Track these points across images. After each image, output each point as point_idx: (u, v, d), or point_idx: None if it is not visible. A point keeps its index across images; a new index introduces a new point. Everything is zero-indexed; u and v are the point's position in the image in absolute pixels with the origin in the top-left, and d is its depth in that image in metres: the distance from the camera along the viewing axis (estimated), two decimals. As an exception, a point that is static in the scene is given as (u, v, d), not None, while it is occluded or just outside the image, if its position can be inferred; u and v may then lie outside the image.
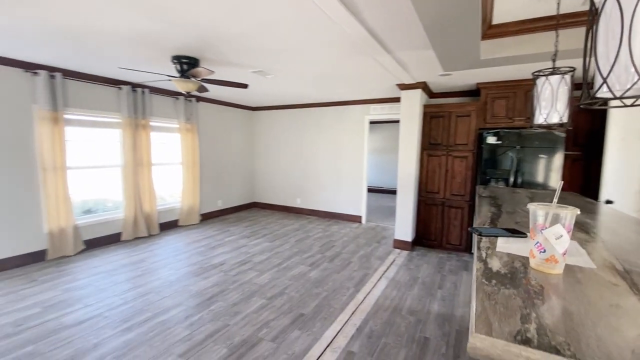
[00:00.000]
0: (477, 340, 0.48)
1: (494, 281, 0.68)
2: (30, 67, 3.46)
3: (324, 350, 2.18)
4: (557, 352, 0.44)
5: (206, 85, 4.18)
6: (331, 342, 2.27)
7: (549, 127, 1.58)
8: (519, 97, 3.67)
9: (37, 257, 3.63)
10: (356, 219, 5.83)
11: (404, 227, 4.33)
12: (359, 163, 5.71)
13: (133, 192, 4.51)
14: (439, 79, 3.81)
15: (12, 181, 3.42)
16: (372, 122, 9.02)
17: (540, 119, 1.64)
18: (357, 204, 5.80)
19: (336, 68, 3.42)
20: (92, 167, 4.24)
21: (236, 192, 6.57)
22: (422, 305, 2.81)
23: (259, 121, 6.85)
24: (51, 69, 3.60)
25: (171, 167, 5.27)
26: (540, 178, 3.60)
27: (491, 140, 3.81)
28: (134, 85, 4.45)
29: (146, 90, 4.56)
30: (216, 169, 6.03)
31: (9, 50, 3.02)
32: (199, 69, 2.78)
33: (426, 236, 4.45)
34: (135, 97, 4.47)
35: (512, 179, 3.73)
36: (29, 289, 2.99)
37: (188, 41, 2.63)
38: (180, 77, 3.14)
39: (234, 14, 2.10)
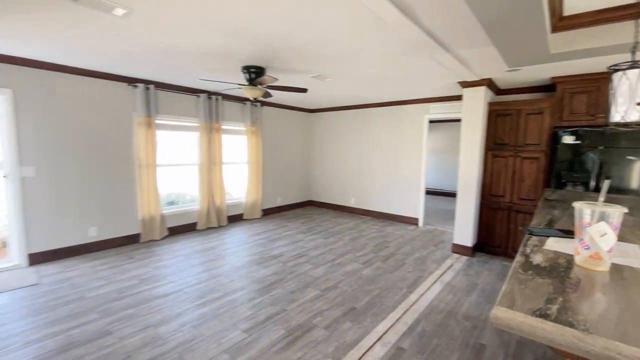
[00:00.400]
0: (498, 312, 0.54)
1: (530, 272, 0.71)
2: (131, 81, 4.18)
3: (374, 343, 2.26)
4: (571, 325, 0.48)
5: (270, 91, 4.55)
6: (382, 336, 2.34)
7: (626, 125, 1.45)
8: (603, 91, 3.26)
9: (133, 239, 4.37)
10: (412, 221, 5.72)
11: (464, 231, 4.15)
12: (416, 163, 5.59)
13: (207, 187, 5.11)
14: (506, 75, 3.58)
15: (117, 176, 4.17)
16: (431, 122, 8.68)
17: (616, 117, 1.51)
18: (414, 205, 5.69)
19: (394, 68, 3.46)
20: (175, 165, 4.92)
21: (294, 190, 6.95)
22: (479, 312, 2.70)
23: (316, 122, 7.14)
24: (147, 82, 4.30)
25: (237, 166, 5.81)
26: (629, 183, 3.15)
27: (568, 139, 3.45)
28: (210, 94, 5.04)
29: (219, 98, 5.13)
30: (277, 168, 6.46)
31: (119, 68, 3.70)
32: (265, 77, 3.08)
33: (489, 242, 4.19)
34: (210, 104, 5.05)
35: (592, 183, 3.33)
36: (128, 264, 3.62)
37: (257, 53, 2.93)
38: (248, 85, 3.50)
39: (299, 27, 2.31)
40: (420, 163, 5.54)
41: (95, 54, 3.13)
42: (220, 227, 5.32)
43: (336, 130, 6.76)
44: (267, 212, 6.32)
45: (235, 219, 5.71)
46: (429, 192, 9.14)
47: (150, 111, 4.34)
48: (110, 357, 2.05)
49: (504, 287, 0.63)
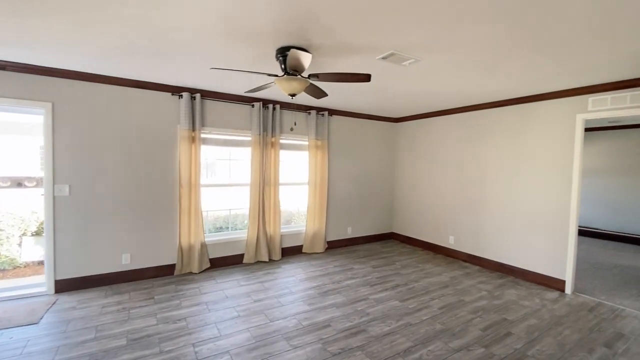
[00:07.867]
0: None
1: None
2: (176, 91, 3.68)
3: None
4: None
5: (321, 85, 3.41)
6: None
7: None
8: None
9: (166, 271, 3.75)
10: (554, 283, 3.57)
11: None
12: (562, 190, 3.51)
13: (258, 212, 4.24)
14: None
15: (157, 197, 3.64)
16: (588, 129, 6.10)
17: None
18: (556, 257, 3.56)
19: (542, 23, 1.85)
20: (222, 185, 4.25)
21: (370, 219, 5.52)
22: None
23: (402, 134, 5.63)
24: (193, 91, 3.75)
25: (297, 187, 4.82)
26: None
27: None
28: (265, 102, 4.25)
29: (277, 107, 4.29)
30: (347, 191, 5.21)
31: (161, 76, 3.17)
32: (291, 52, 1.95)
33: None
34: (266, 114, 4.25)
35: None
36: (139, 308, 2.92)
37: (283, 18, 1.84)
38: (283, 74, 2.44)
39: None
40: (570, 190, 3.44)
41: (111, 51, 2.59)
42: (271, 261, 4.35)
43: (430, 143, 5.11)
44: (334, 245, 5.09)
45: (292, 252, 4.68)
46: (585, 233, 6.20)
47: (194, 124, 3.77)
48: None
49: None
